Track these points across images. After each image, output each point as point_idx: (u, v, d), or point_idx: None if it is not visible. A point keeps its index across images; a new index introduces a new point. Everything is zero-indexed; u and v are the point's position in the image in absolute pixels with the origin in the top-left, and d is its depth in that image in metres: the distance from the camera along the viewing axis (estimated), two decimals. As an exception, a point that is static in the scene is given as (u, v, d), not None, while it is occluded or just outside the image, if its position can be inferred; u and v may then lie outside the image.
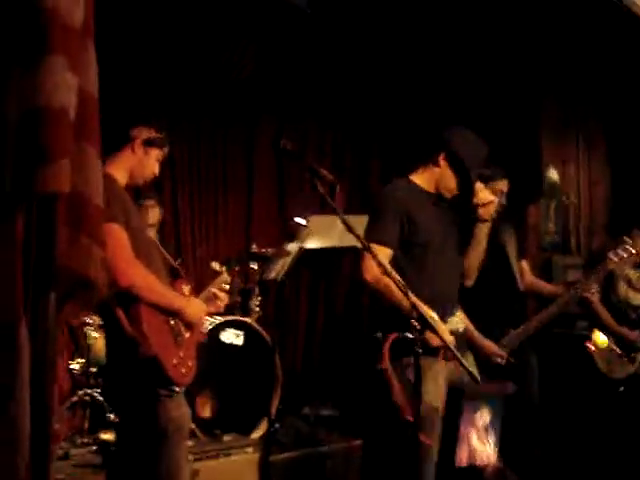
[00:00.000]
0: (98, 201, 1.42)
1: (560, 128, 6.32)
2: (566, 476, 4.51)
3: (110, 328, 2.84)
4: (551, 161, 6.22)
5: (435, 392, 3.18)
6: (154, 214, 5.06)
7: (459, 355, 2.78)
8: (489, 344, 4.03)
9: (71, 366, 4.56)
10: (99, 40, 1.53)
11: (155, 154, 3.03)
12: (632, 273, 4.70)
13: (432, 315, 3.14)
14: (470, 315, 3.80)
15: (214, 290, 3.20)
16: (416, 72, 5.92)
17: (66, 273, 1.40)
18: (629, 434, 4.49)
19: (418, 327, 2.65)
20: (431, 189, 3.43)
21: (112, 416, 3.97)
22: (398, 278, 2.93)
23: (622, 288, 4.68)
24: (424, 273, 3.33)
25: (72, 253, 1.39)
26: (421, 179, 3.45)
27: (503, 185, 4.24)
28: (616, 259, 4.20)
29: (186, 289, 3.11)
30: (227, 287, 4.20)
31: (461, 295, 3.54)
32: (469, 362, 3.54)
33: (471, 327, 3.98)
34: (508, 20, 5.31)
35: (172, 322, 2.87)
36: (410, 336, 2.71)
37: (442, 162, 3.37)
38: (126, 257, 2.72)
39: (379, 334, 3.28)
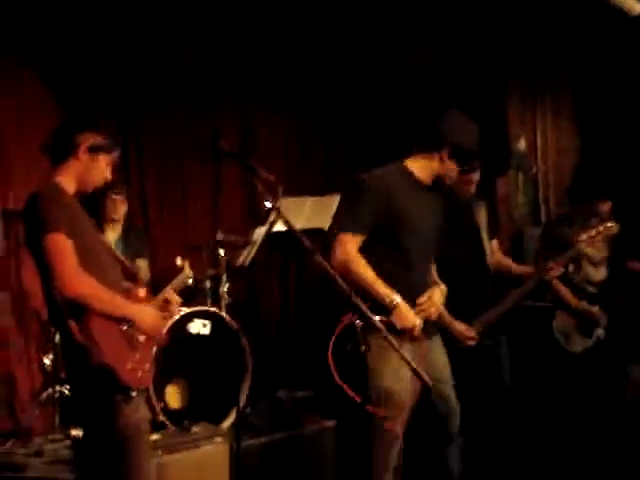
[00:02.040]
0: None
1: (527, 96, 6.26)
2: (538, 459, 4.55)
3: (63, 337, 2.85)
4: (518, 131, 6.20)
5: (393, 375, 3.18)
6: (121, 208, 5.09)
7: (407, 358, 2.74)
8: (459, 327, 4.04)
9: (43, 361, 4.61)
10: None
11: (103, 159, 2.98)
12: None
13: (394, 298, 3.20)
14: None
15: (166, 295, 3.19)
16: (380, 48, 5.87)
17: None
18: (589, 410, 4.54)
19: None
20: (425, 177, 3.40)
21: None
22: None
23: (585, 266, 4.67)
24: (403, 263, 3.34)
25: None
26: (416, 166, 3.40)
27: (477, 175, 4.27)
28: (586, 240, 4.23)
29: (142, 292, 3.10)
30: (190, 282, 4.24)
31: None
32: (437, 344, 3.58)
33: (442, 309, 4.01)
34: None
35: (125, 327, 2.87)
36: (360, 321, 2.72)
37: (444, 153, 3.33)
38: (70, 267, 2.70)
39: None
